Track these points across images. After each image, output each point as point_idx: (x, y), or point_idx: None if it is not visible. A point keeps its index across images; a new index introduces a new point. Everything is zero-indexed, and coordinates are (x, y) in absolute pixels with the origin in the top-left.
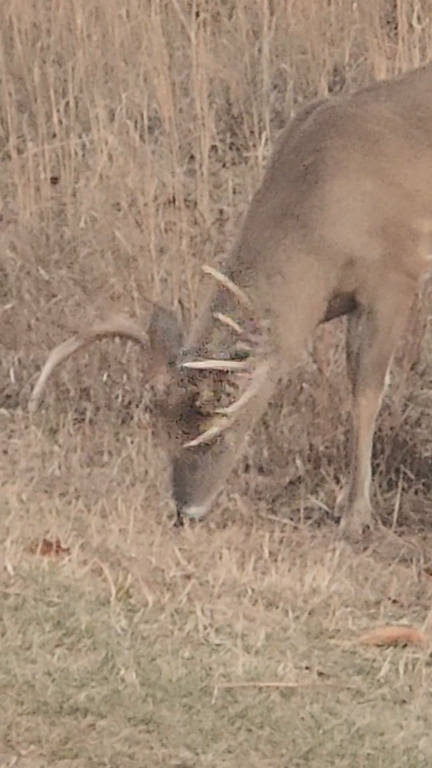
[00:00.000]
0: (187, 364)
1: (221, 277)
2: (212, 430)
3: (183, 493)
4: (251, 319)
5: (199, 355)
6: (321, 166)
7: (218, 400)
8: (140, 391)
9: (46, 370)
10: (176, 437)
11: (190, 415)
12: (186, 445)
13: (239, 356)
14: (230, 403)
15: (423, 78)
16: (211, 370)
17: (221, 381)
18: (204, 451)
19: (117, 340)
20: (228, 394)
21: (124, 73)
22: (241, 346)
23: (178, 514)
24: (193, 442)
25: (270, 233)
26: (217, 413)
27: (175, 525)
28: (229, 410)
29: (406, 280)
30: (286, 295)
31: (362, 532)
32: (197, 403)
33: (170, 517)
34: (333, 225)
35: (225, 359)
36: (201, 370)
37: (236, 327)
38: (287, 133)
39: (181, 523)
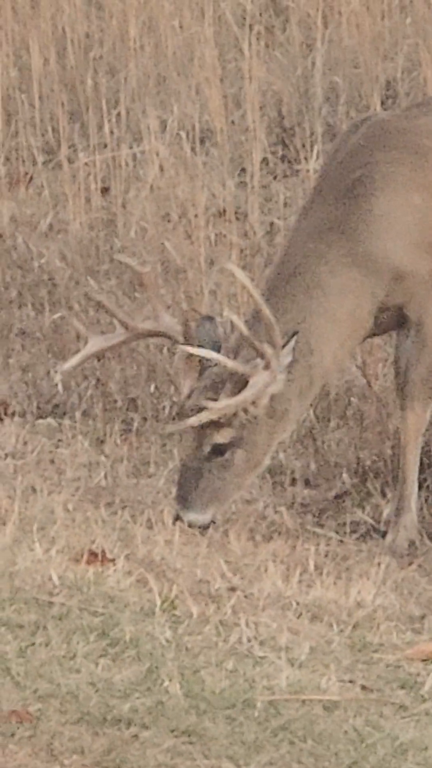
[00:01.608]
0: (186, 348)
1: (241, 274)
2: (193, 419)
3: (184, 498)
4: (265, 327)
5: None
6: (369, 180)
7: (234, 414)
8: None
9: (84, 352)
10: (188, 442)
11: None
12: (172, 427)
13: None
14: (247, 416)
15: None
16: (232, 382)
17: (239, 393)
18: (211, 462)
19: (165, 350)
20: (245, 410)
21: (177, 84)
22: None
23: (177, 516)
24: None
25: (313, 246)
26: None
27: (173, 522)
28: (212, 404)
29: None
30: (324, 308)
31: (408, 547)
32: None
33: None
34: (380, 239)
35: (224, 356)
36: (223, 383)
37: (243, 329)
38: (336, 147)
39: (178, 520)
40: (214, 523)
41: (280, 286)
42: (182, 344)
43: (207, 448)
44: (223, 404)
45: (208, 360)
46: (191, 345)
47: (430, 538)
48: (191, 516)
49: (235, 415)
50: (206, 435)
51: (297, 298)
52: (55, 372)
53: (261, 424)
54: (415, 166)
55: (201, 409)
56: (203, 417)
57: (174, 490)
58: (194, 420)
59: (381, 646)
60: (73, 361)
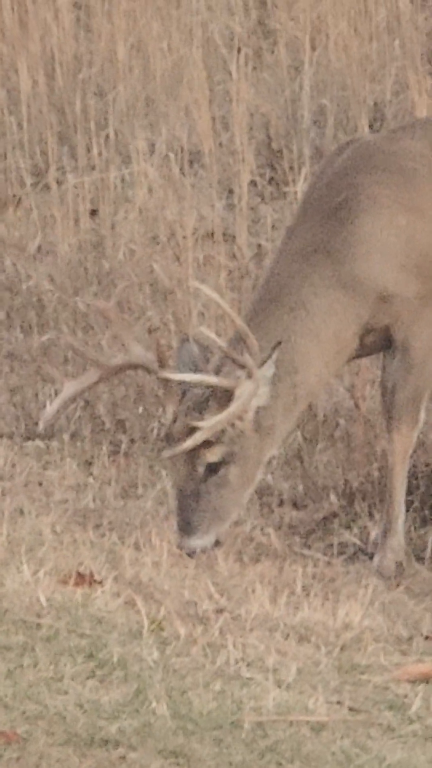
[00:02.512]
0: (165, 375)
1: (210, 292)
2: (189, 441)
3: (187, 524)
4: (242, 339)
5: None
6: (354, 202)
7: (222, 431)
8: None
9: (60, 400)
10: (181, 466)
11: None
12: (167, 452)
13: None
14: (235, 433)
15: None
16: (215, 400)
17: (224, 409)
18: (206, 484)
19: None
20: (232, 425)
21: (165, 106)
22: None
23: (179, 545)
24: (173, 451)
25: (298, 267)
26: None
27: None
28: (202, 423)
29: None
30: (309, 329)
31: (395, 569)
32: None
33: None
34: (365, 260)
35: (203, 375)
36: (206, 402)
37: (219, 342)
38: (322, 169)
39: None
40: (219, 543)
41: (266, 307)
42: (160, 372)
43: (201, 469)
44: (214, 421)
45: (188, 382)
46: (168, 371)
47: (418, 560)
48: (195, 542)
49: (223, 431)
50: (198, 456)
51: (282, 319)
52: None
53: (249, 439)
54: (400, 188)
55: (191, 431)
56: (198, 438)
57: (174, 518)
58: (190, 443)
59: (368, 667)
60: (51, 409)
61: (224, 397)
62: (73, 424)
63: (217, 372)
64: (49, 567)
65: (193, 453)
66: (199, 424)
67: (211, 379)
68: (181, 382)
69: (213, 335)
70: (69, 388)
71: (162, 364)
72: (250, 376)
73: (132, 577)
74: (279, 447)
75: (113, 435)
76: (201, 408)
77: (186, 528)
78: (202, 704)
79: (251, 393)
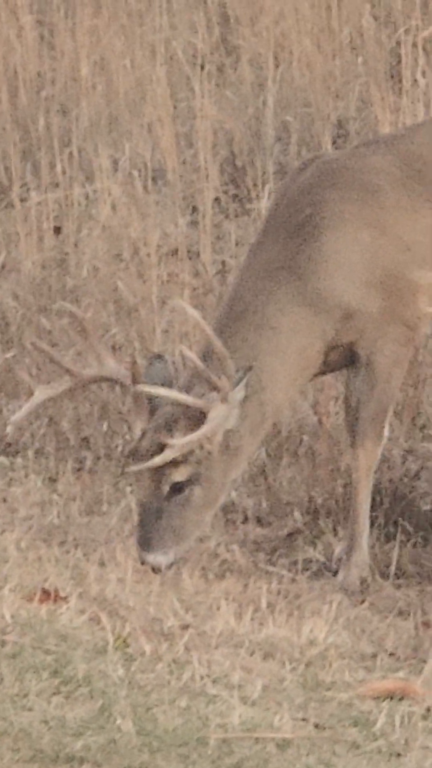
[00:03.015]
0: (142, 388)
1: (191, 310)
2: (158, 458)
3: (147, 539)
4: (219, 361)
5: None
6: (318, 219)
7: (190, 451)
8: None
9: (30, 405)
10: (146, 483)
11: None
12: (135, 467)
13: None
14: (202, 454)
15: (421, 132)
16: (185, 419)
17: (194, 430)
18: (170, 500)
19: (118, 389)
20: (201, 447)
21: (128, 123)
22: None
23: (141, 560)
24: (140, 466)
25: (263, 285)
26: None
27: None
28: (175, 440)
29: (406, 333)
30: (275, 347)
31: (360, 585)
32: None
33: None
34: (329, 277)
35: (179, 393)
36: (176, 421)
37: (198, 363)
38: (285, 186)
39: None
40: (175, 564)
41: (231, 325)
42: (136, 384)
43: (166, 487)
44: (186, 440)
45: (158, 400)
46: (144, 384)
47: (382, 576)
48: (153, 557)
49: (191, 452)
50: (164, 474)
51: (247, 337)
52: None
53: (216, 461)
54: (363, 204)
55: (160, 448)
56: (167, 455)
57: (135, 533)
58: (159, 460)
59: (333, 684)
60: (21, 413)
61: (195, 417)
62: (37, 441)
63: (188, 390)
64: (14, 584)
65: (160, 471)
66: (171, 441)
67: (186, 399)
68: (150, 400)
69: (193, 355)
70: (40, 393)
71: (135, 379)
72: (224, 399)
73: (97, 594)
74: (244, 469)
75: (78, 452)
76: (171, 426)
77: (146, 544)
78: (168, 721)
79: (224, 416)
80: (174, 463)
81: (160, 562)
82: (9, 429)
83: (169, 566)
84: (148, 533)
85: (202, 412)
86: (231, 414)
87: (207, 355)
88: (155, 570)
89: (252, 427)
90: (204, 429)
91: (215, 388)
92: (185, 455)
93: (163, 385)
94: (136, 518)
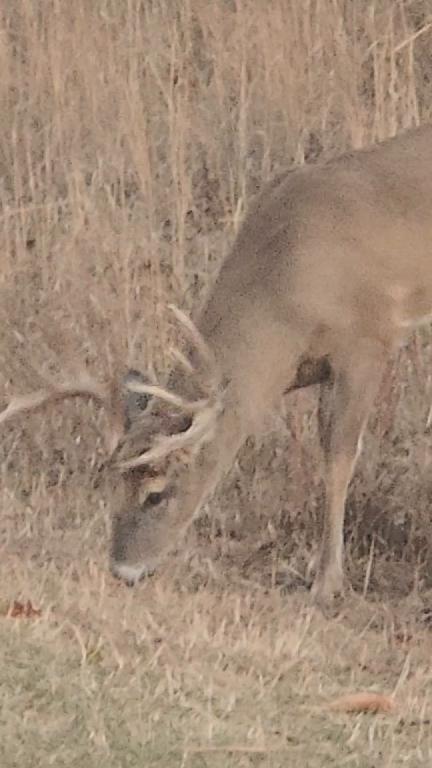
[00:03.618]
0: (130, 387)
1: (184, 318)
2: (146, 455)
3: (119, 550)
4: (207, 367)
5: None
6: (291, 233)
7: (168, 461)
8: None
9: (6, 412)
10: (122, 493)
11: (137, 472)
12: (125, 463)
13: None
14: (179, 466)
15: (394, 147)
16: (165, 429)
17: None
18: (145, 511)
19: (91, 403)
20: (178, 459)
21: (102, 137)
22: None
23: (111, 570)
24: (131, 462)
25: (236, 299)
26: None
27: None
28: (163, 438)
29: (379, 347)
30: (248, 361)
31: (333, 598)
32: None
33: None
34: (303, 292)
35: (170, 392)
36: (155, 431)
37: (188, 365)
38: (258, 200)
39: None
40: (145, 577)
41: (204, 339)
42: (128, 384)
43: (142, 498)
44: (171, 441)
45: (133, 414)
46: (119, 400)
47: (356, 590)
48: (124, 569)
49: (168, 464)
50: (140, 485)
51: (221, 351)
52: None
53: (192, 474)
54: (337, 218)
55: (152, 472)
56: (154, 453)
57: (107, 542)
58: (146, 457)
59: (307, 697)
60: None
61: (175, 427)
62: (10, 455)
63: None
64: None
65: (136, 481)
66: (161, 440)
67: (176, 400)
68: (127, 413)
69: (185, 360)
70: (15, 403)
71: (114, 390)
72: (211, 404)
73: (70, 607)
74: (218, 482)
75: (51, 465)
76: (148, 438)
77: (118, 554)
78: (141, 734)
79: (211, 421)
80: (151, 474)
81: (133, 575)
82: None
83: (141, 579)
84: (121, 545)
85: (182, 423)
86: (213, 424)
87: (191, 362)
88: (127, 582)
89: (227, 441)
90: (190, 432)
91: (203, 393)
92: (163, 467)
93: (140, 399)
94: (109, 529)
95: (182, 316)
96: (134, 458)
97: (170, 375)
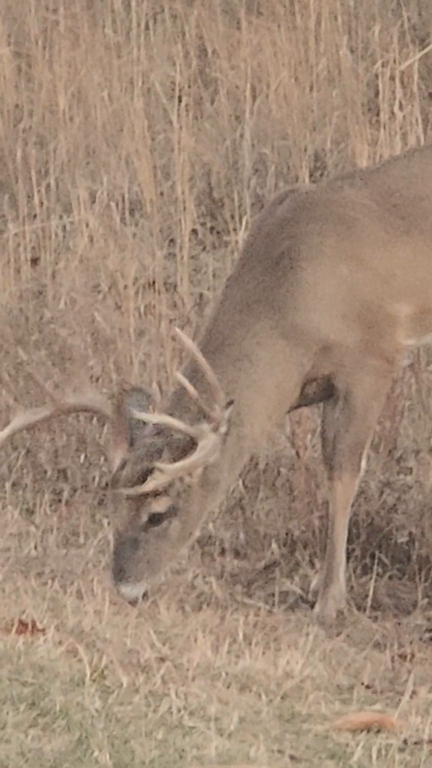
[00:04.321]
0: (136, 415)
1: (188, 341)
2: (149, 483)
3: (120, 569)
4: (211, 391)
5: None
6: (295, 252)
7: (170, 484)
8: None
9: (12, 426)
10: (124, 512)
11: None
12: (128, 490)
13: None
14: (182, 486)
15: (398, 166)
16: (169, 450)
17: (176, 461)
18: (147, 531)
19: (95, 421)
20: (181, 480)
21: (106, 155)
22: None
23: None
24: (134, 490)
25: (240, 318)
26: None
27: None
28: (165, 466)
29: (383, 365)
30: (253, 380)
31: (336, 617)
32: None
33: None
34: (307, 310)
35: (174, 416)
36: (159, 452)
37: (191, 390)
38: (262, 219)
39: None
40: (146, 596)
41: (209, 358)
42: (134, 413)
43: (144, 517)
44: (177, 466)
45: (137, 432)
46: (123, 417)
47: (359, 608)
48: (128, 589)
49: (171, 484)
50: (143, 504)
51: (225, 370)
52: None
53: (194, 494)
54: (341, 237)
55: (141, 478)
56: (159, 480)
57: (109, 561)
58: (150, 484)
59: (309, 716)
60: (1, 436)
61: (180, 448)
62: (14, 473)
63: (161, 427)
64: None
65: (139, 501)
66: (162, 466)
67: (180, 425)
68: (131, 431)
69: (188, 384)
70: (21, 418)
71: (119, 408)
72: (215, 429)
73: (74, 626)
74: (221, 501)
75: (55, 483)
76: (153, 457)
77: (119, 574)
78: (145, 753)
79: (215, 446)
80: (154, 494)
81: (135, 594)
82: None
83: (144, 597)
84: (122, 564)
85: (186, 443)
86: (217, 446)
87: (194, 385)
88: (130, 602)
89: (230, 460)
90: (194, 457)
91: (207, 417)
92: (166, 487)
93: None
94: (111, 548)
95: (187, 340)
96: (137, 486)
97: (175, 393)
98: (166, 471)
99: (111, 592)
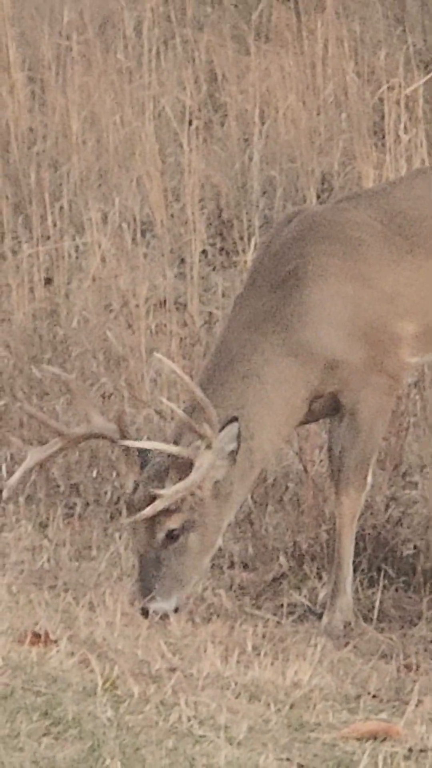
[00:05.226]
0: (125, 443)
1: (169, 363)
2: (148, 509)
3: (148, 589)
4: (201, 409)
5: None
6: (302, 272)
7: (182, 499)
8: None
9: (23, 469)
10: (142, 534)
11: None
12: (127, 520)
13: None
14: (194, 500)
15: (402, 187)
16: (175, 469)
17: (184, 479)
18: (167, 548)
19: None
20: (192, 494)
21: (118, 177)
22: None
23: (143, 609)
24: (133, 519)
25: (248, 336)
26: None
27: (143, 614)
28: (165, 491)
29: (389, 382)
30: (261, 396)
31: (343, 628)
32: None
33: (143, 613)
34: (314, 329)
35: (162, 443)
36: (167, 471)
37: (179, 412)
38: (269, 239)
39: (146, 615)
40: (178, 610)
41: (218, 375)
42: (121, 440)
43: (161, 536)
44: (173, 490)
45: (149, 451)
46: (129, 440)
47: (365, 620)
48: (157, 605)
49: (183, 500)
50: (158, 523)
51: (235, 387)
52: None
53: (208, 506)
54: (346, 257)
55: (152, 499)
56: (158, 506)
57: (136, 584)
58: (149, 510)
59: (317, 725)
60: (15, 477)
61: (184, 466)
62: (28, 488)
63: (177, 441)
64: (5, 627)
65: (154, 520)
66: (160, 492)
67: (171, 449)
68: (140, 451)
69: (174, 406)
70: (32, 457)
71: (122, 433)
72: (209, 446)
73: (86, 637)
74: (236, 512)
75: (68, 498)
76: (161, 477)
77: (147, 593)
78: (156, 761)
79: (211, 463)
80: (168, 512)
81: (165, 609)
82: (5, 494)
83: (175, 611)
84: (148, 584)
85: (189, 461)
86: (219, 462)
87: (194, 405)
88: (162, 617)
89: (241, 474)
90: (191, 477)
91: (200, 436)
92: (178, 503)
93: (148, 438)
94: (136, 570)
95: (170, 364)
96: (140, 513)
97: (184, 410)
98: (165, 495)
99: (141, 613)
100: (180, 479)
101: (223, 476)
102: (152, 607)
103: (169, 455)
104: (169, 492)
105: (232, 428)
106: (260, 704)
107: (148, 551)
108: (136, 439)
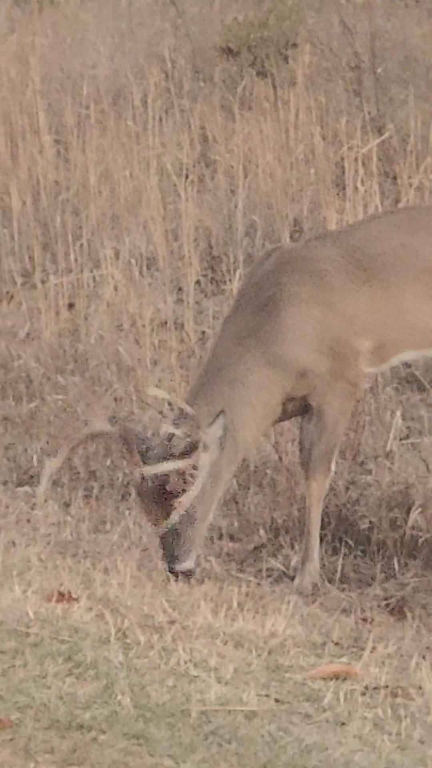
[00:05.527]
0: (141, 470)
1: (161, 393)
2: (175, 516)
3: (172, 555)
4: (192, 420)
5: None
6: (278, 298)
7: (184, 481)
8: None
9: (46, 477)
10: (156, 515)
11: (163, 495)
12: (165, 523)
13: (185, 452)
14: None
15: (361, 229)
16: (176, 457)
17: (182, 458)
18: (180, 521)
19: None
20: (192, 476)
21: (128, 221)
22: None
23: (171, 570)
24: (170, 519)
25: (235, 349)
26: (179, 498)
27: (168, 579)
28: (183, 502)
29: (349, 388)
30: (245, 399)
31: (312, 588)
32: (167, 486)
33: (166, 577)
34: (289, 344)
35: (172, 460)
36: (166, 458)
37: (172, 429)
38: (251, 271)
39: (176, 578)
40: (199, 562)
41: (209, 381)
42: (137, 469)
43: (175, 516)
44: (191, 494)
45: (148, 441)
46: (128, 439)
47: (330, 582)
48: (183, 566)
49: (185, 483)
50: (169, 504)
51: (223, 390)
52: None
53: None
54: (315, 286)
55: (160, 483)
56: (179, 511)
57: (161, 554)
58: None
59: (291, 667)
60: (42, 486)
61: (186, 446)
62: (54, 474)
63: (176, 423)
64: (36, 587)
65: (164, 502)
66: (179, 501)
67: (181, 465)
68: (139, 442)
69: (164, 393)
70: (48, 467)
71: (123, 433)
72: (204, 449)
73: (102, 595)
74: (224, 492)
75: (87, 482)
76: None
77: (172, 558)
78: (158, 696)
79: (209, 461)
80: (175, 495)
81: (189, 566)
82: (39, 498)
83: (197, 565)
84: (170, 551)
85: (186, 445)
86: (213, 447)
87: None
88: (188, 573)
89: (228, 459)
90: (199, 480)
91: (197, 443)
92: (183, 487)
93: (141, 439)
94: (158, 543)
95: (159, 392)
96: (153, 497)
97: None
98: (183, 503)
99: (171, 573)
100: (180, 479)
101: (215, 456)
102: (177, 567)
103: (164, 445)
104: (188, 497)
105: (220, 419)
106: (244, 650)
107: (165, 528)
108: (134, 437)
